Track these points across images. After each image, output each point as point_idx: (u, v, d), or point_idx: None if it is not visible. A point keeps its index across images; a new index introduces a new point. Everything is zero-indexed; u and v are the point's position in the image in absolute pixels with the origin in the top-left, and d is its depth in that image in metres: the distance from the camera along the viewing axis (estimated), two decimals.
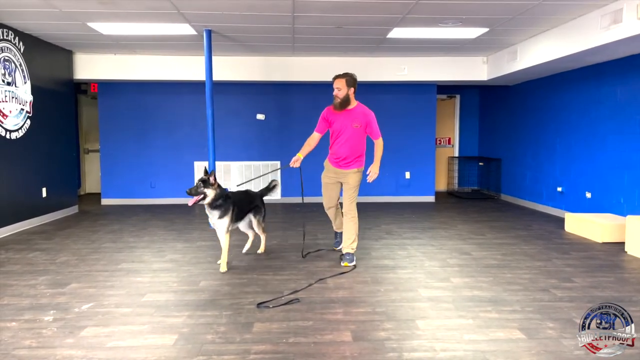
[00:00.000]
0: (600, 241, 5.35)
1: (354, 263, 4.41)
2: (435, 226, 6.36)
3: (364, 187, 8.63)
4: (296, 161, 4.46)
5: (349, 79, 4.35)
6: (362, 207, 7.78)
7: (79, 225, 6.44)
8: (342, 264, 4.41)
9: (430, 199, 8.90)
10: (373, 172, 4.45)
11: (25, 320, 3.10)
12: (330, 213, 4.78)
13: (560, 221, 6.47)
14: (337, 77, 4.39)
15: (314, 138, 4.56)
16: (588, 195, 6.51)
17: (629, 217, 5.00)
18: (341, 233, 4.78)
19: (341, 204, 4.63)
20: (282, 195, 8.60)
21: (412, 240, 5.47)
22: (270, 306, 3.32)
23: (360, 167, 4.51)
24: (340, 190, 4.64)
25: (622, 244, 5.15)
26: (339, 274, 4.11)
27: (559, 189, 7.18)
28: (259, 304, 3.35)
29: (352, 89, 4.37)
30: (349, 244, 4.43)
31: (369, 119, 4.43)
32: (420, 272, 4.20)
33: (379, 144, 4.50)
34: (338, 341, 2.78)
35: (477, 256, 4.75)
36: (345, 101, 4.37)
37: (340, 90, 4.33)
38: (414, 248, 5.09)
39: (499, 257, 4.73)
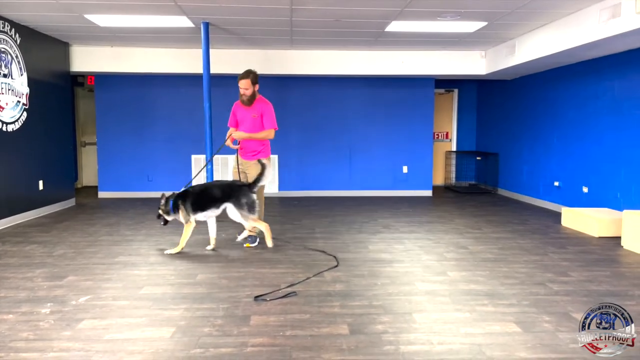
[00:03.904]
0: (596, 235, 5.37)
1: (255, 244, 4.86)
2: (433, 220, 6.38)
3: (363, 182, 8.75)
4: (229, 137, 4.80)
5: (253, 77, 4.73)
6: (359, 201, 7.84)
7: (76, 218, 6.43)
8: (244, 245, 4.83)
9: (428, 193, 8.91)
10: (239, 135, 4.78)
11: (22, 312, 3.10)
12: None
13: (557, 215, 6.48)
14: (241, 78, 4.72)
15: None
16: (585, 189, 6.53)
17: (625, 211, 5.02)
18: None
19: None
20: (280, 189, 8.59)
21: (409, 234, 5.48)
22: (268, 299, 3.33)
23: (262, 159, 4.76)
24: None
25: (618, 238, 5.16)
26: (334, 266, 4.12)
27: (556, 183, 7.20)
28: (256, 297, 3.36)
29: (256, 85, 4.79)
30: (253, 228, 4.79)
31: (265, 109, 4.82)
32: (417, 265, 4.21)
33: (267, 131, 4.84)
34: (335, 334, 2.79)
35: (473, 250, 4.76)
36: (253, 97, 4.79)
37: (248, 89, 4.73)
38: (411, 242, 5.10)
39: (496, 251, 4.75)
